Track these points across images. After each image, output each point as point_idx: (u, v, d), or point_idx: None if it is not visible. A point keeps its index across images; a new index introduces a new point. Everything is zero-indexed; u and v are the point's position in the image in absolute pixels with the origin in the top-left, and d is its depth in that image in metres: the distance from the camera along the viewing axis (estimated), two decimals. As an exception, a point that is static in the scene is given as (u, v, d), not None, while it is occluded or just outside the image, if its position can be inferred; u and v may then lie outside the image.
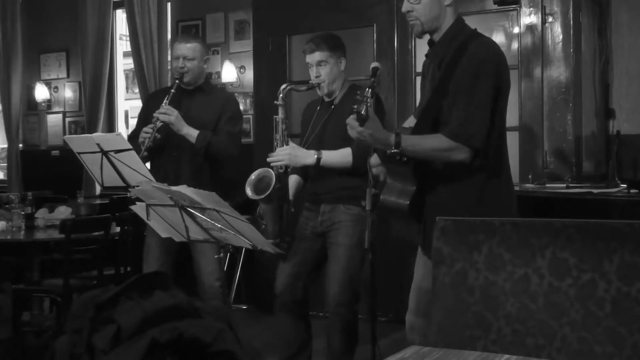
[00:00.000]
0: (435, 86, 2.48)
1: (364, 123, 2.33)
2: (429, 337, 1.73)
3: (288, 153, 3.18)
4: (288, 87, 3.31)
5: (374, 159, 2.59)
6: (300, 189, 3.43)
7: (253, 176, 3.23)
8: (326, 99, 3.38)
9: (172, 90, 3.65)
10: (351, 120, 2.38)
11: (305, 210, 3.43)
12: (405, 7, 2.53)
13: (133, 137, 3.77)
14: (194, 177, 3.58)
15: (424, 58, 2.70)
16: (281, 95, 3.26)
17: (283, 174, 3.21)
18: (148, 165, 3.65)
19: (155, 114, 3.59)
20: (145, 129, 3.61)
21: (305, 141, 3.36)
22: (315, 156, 3.20)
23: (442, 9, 2.51)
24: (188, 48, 3.72)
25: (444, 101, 2.44)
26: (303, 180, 3.43)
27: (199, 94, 3.80)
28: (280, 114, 3.25)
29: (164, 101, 3.62)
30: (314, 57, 3.29)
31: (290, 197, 3.31)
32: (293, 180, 3.38)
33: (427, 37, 2.60)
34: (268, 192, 3.13)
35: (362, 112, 2.31)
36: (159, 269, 3.60)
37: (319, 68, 3.28)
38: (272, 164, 3.20)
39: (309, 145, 3.32)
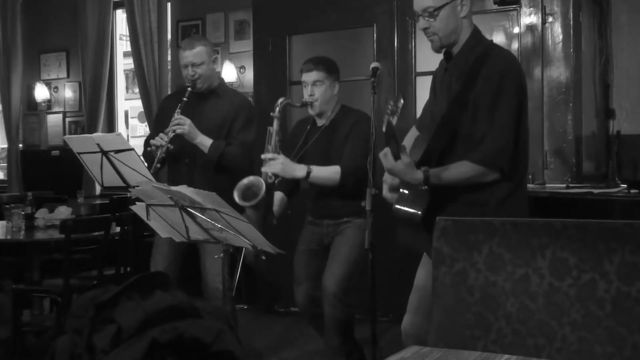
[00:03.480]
0: (453, 98, 2.46)
1: (397, 159, 2.34)
2: (429, 337, 1.73)
3: (281, 162, 3.25)
4: (285, 102, 3.39)
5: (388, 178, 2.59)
6: (284, 206, 3.48)
7: (245, 181, 3.28)
8: (317, 121, 3.48)
9: (185, 99, 3.57)
10: (388, 153, 2.38)
11: (309, 225, 3.53)
12: (421, 24, 2.51)
13: (149, 141, 3.70)
14: (209, 185, 3.55)
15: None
16: (278, 108, 3.35)
17: (272, 185, 3.27)
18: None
19: (168, 128, 3.53)
20: (155, 139, 3.55)
21: (294, 156, 3.42)
22: (306, 170, 3.28)
23: (458, 21, 2.49)
24: (194, 54, 3.62)
25: (463, 114, 2.42)
26: (287, 198, 3.50)
27: (213, 98, 3.72)
28: (275, 125, 3.32)
29: (177, 110, 3.56)
30: (310, 76, 3.38)
31: (274, 211, 3.39)
32: (278, 197, 3.45)
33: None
34: (257, 199, 3.20)
35: (397, 150, 2.33)
36: (166, 268, 3.60)
37: (314, 87, 3.38)
38: (263, 171, 3.25)
39: (303, 163, 3.38)
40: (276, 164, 3.24)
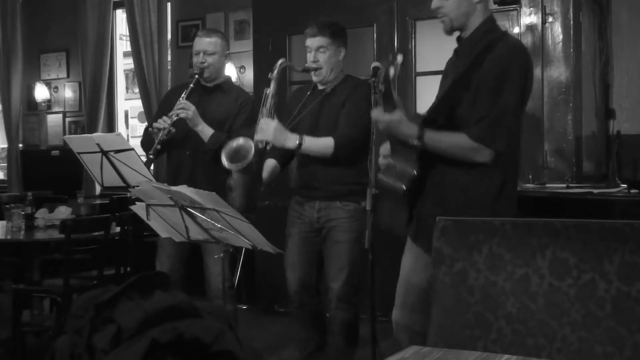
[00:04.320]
0: (456, 77, 2.46)
1: (394, 109, 2.33)
2: (429, 337, 1.73)
3: (274, 128, 3.09)
4: (285, 64, 3.25)
5: (384, 149, 2.56)
6: (276, 175, 3.34)
7: (234, 143, 3.14)
8: (319, 87, 3.35)
9: (191, 85, 3.58)
10: (379, 111, 2.39)
11: (296, 205, 3.39)
12: (434, 3, 2.55)
13: (150, 124, 3.70)
14: (208, 178, 3.56)
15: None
16: (276, 69, 3.20)
17: (262, 150, 3.11)
18: (156, 160, 3.60)
19: (172, 111, 3.53)
20: (159, 120, 3.54)
21: (289, 123, 3.27)
22: (297, 141, 3.13)
23: (471, 5, 2.53)
24: (209, 42, 3.64)
25: (465, 94, 2.42)
26: (280, 166, 3.36)
27: (218, 93, 3.72)
28: (272, 88, 3.17)
29: (182, 96, 3.56)
30: (314, 42, 3.25)
31: (263, 178, 3.24)
32: (269, 163, 3.31)
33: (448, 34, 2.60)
34: (245, 163, 3.05)
35: (395, 97, 2.31)
36: (171, 267, 3.60)
37: (317, 53, 3.25)
38: (255, 138, 3.11)
39: (297, 130, 3.23)
40: (268, 130, 3.08)
